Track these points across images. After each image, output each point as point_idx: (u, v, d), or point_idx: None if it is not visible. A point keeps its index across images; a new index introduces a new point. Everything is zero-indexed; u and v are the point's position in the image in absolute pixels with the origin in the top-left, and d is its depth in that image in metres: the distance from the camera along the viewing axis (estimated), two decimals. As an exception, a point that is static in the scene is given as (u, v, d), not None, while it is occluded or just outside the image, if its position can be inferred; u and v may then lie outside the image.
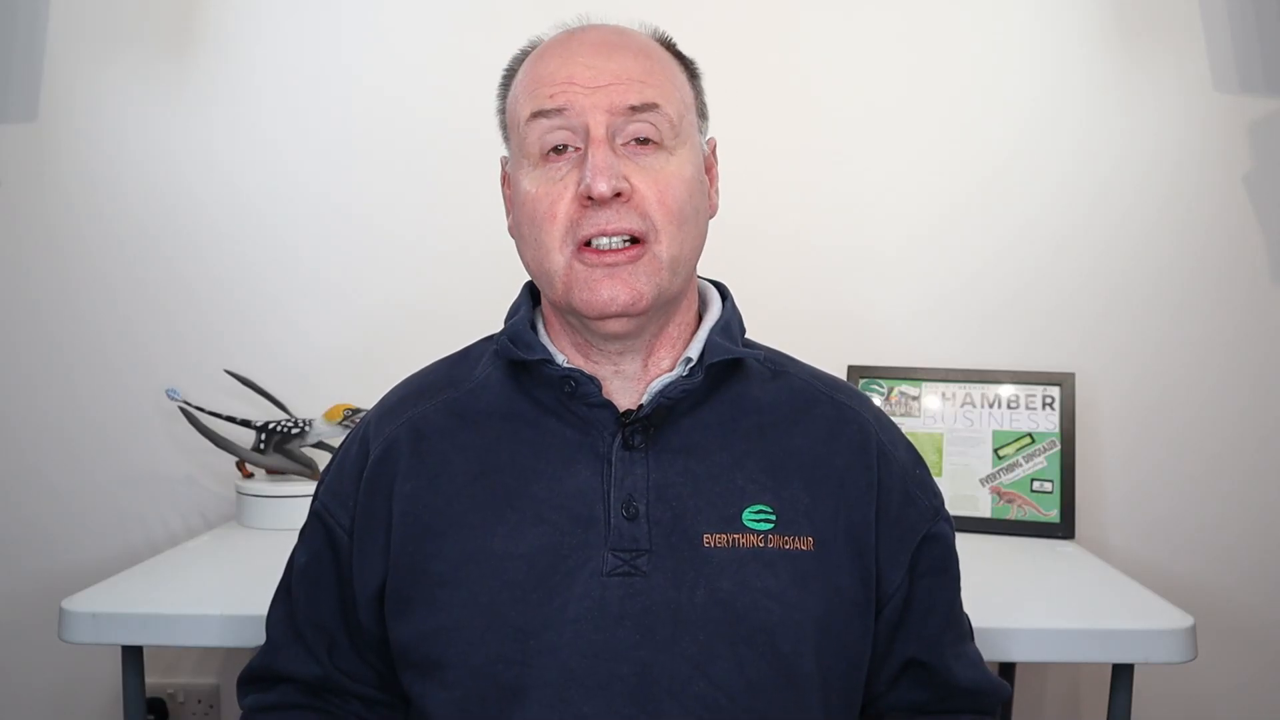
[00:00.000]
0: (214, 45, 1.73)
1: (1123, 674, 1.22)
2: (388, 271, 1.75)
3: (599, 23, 0.90)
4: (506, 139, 0.92)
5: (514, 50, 0.93)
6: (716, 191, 0.94)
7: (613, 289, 0.82)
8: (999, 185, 1.72)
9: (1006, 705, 1.63)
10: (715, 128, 0.95)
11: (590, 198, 0.81)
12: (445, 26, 1.74)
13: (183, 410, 1.61)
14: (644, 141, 0.84)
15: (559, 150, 0.84)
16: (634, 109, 0.83)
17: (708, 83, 0.94)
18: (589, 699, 0.80)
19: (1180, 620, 1.17)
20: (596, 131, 0.82)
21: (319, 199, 1.74)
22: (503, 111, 0.92)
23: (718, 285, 0.97)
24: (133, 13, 1.72)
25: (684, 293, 0.90)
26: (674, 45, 0.92)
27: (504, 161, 0.93)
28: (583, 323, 0.86)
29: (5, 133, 1.72)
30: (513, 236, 0.91)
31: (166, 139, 1.73)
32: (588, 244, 0.83)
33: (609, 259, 0.82)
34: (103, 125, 1.73)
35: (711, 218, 0.92)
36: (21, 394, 1.74)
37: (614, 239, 0.82)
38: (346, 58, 1.74)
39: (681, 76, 0.90)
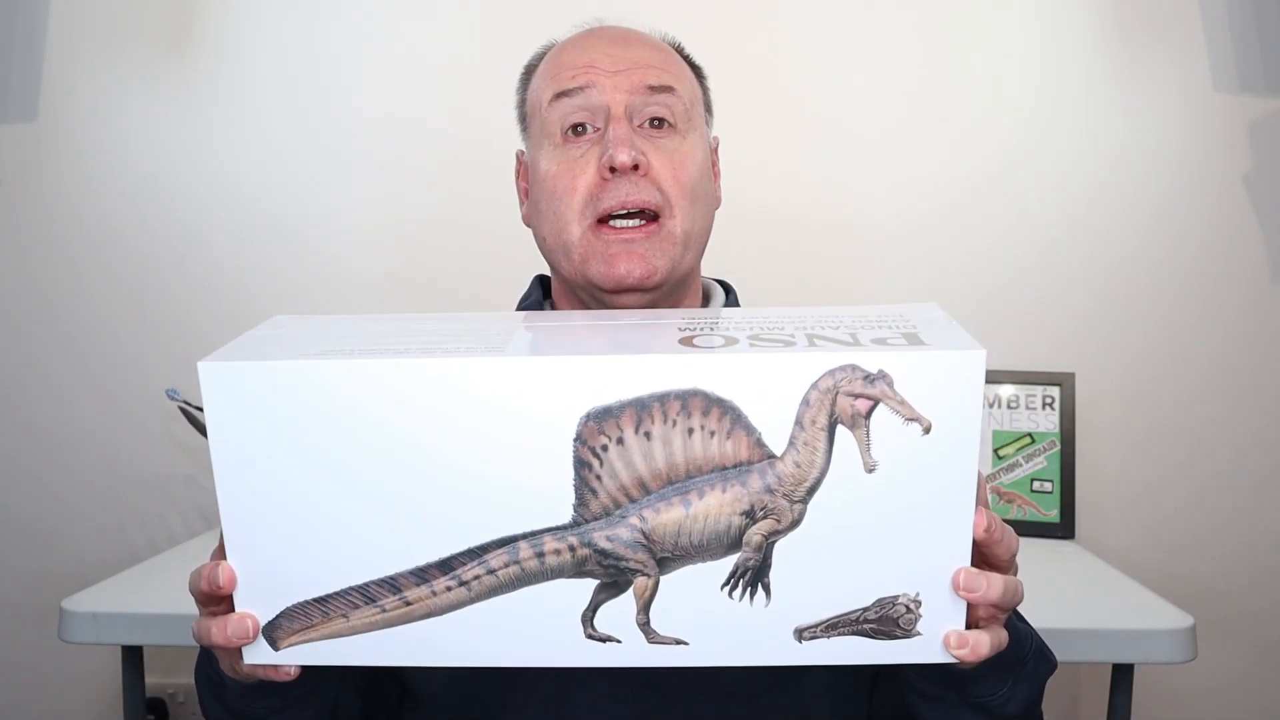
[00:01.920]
0: (214, 45, 1.73)
1: (1123, 674, 1.22)
2: (388, 271, 1.75)
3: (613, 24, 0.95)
4: (525, 129, 0.94)
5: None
6: (719, 187, 0.96)
7: (629, 263, 0.84)
8: (998, 185, 1.72)
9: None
10: (716, 126, 0.97)
11: (612, 169, 0.83)
12: (443, 25, 1.74)
13: (183, 410, 1.61)
14: (658, 125, 0.87)
15: (579, 131, 0.86)
16: (652, 89, 0.86)
17: (709, 82, 0.96)
18: (590, 672, 0.79)
19: (1180, 620, 1.17)
20: (616, 110, 0.85)
21: (319, 198, 1.74)
22: (522, 104, 0.95)
23: (723, 283, 0.99)
24: (133, 13, 1.72)
25: (692, 276, 0.91)
26: (681, 48, 0.96)
27: (520, 155, 0.96)
28: (596, 298, 0.87)
29: (5, 133, 1.72)
30: (527, 225, 0.93)
31: (166, 139, 1.73)
32: (605, 221, 0.85)
33: (626, 235, 0.84)
34: (103, 125, 1.73)
35: (715, 209, 0.93)
36: (21, 394, 1.74)
37: (631, 213, 0.84)
38: (346, 57, 1.74)
39: (690, 73, 0.93)
